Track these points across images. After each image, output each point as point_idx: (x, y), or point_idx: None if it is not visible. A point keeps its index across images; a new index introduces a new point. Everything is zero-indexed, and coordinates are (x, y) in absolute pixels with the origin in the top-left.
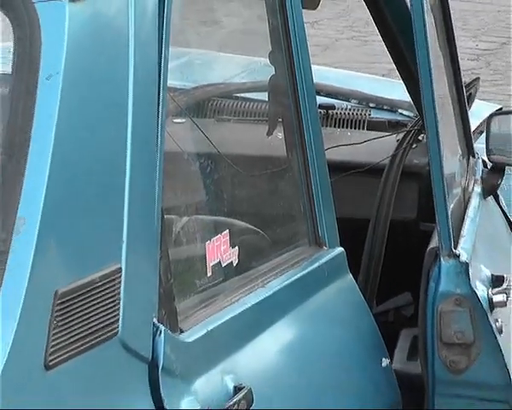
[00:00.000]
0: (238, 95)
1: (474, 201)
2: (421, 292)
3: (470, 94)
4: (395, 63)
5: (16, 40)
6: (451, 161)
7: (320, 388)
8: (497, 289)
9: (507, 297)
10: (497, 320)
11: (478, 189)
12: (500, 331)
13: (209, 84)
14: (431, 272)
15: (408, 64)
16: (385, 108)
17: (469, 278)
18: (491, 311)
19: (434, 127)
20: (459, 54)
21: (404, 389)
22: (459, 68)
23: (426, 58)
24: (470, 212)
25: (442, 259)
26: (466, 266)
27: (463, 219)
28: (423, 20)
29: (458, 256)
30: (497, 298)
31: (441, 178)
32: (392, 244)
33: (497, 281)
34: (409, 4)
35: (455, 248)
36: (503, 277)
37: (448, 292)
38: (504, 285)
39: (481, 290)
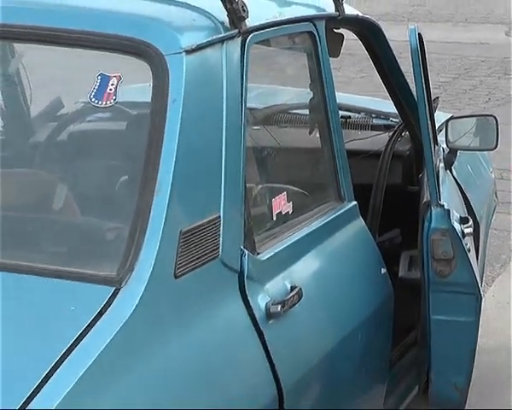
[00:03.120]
0: (291, 111)
1: (441, 172)
2: (419, 229)
3: (434, 107)
4: (388, 91)
5: (154, 78)
6: None
7: (343, 285)
8: (465, 225)
9: (472, 230)
10: (466, 244)
11: (442, 164)
12: (469, 251)
13: (273, 104)
14: (425, 215)
15: (395, 92)
16: (381, 116)
17: (450, 219)
18: (463, 238)
19: (427, 131)
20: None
21: (407, 288)
22: (429, 92)
23: (421, 87)
24: (441, 179)
25: (432, 208)
26: (448, 211)
27: (438, 183)
28: (419, 66)
29: (443, 206)
30: (467, 230)
31: (431, 158)
32: (387, 199)
33: (464, 220)
34: (410, 58)
35: (439, 200)
36: (468, 218)
37: (437, 228)
38: (469, 223)
39: (457, 226)
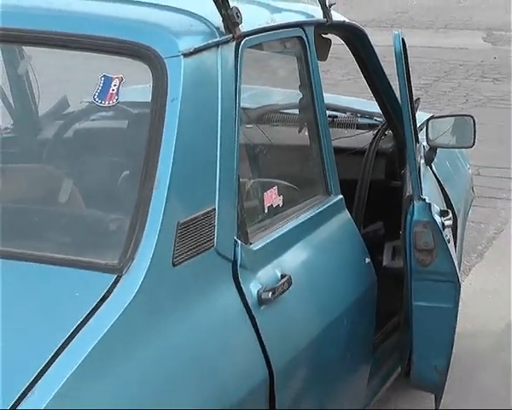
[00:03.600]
0: (282, 110)
1: (422, 168)
2: (402, 221)
3: (415, 107)
4: (372, 93)
5: (154, 79)
6: None
7: (330, 274)
8: (445, 218)
9: (451, 222)
10: (446, 235)
11: (422, 160)
12: (448, 241)
13: (265, 105)
14: (408, 209)
15: (379, 93)
16: (366, 116)
17: (431, 212)
18: (444, 230)
19: (409, 129)
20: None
21: (390, 276)
22: (412, 93)
23: (404, 88)
24: (422, 174)
25: (415, 201)
26: (429, 205)
27: (420, 178)
28: (403, 69)
29: (424, 199)
30: (447, 223)
31: (413, 155)
32: (371, 193)
33: (444, 213)
34: (394, 63)
35: (421, 195)
36: (448, 210)
37: (419, 220)
38: (449, 216)
39: (437, 218)
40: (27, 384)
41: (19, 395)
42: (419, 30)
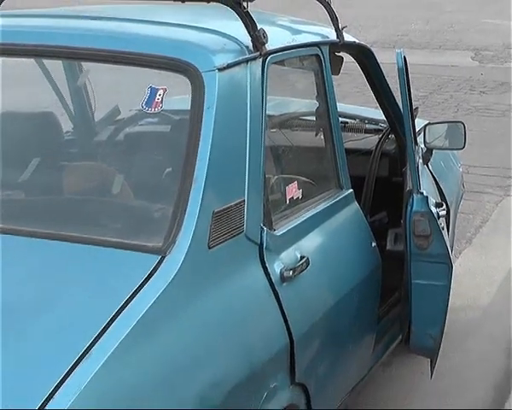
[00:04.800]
0: (301, 117)
1: (420, 166)
2: (403, 211)
3: (414, 115)
4: (378, 103)
5: (192, 90)
6: None
7: (342, 256)
8: (440, 209)
9: (445, 212)
10: (440, 223)
11: (420, 160)
12: (442, 229)
13: (287, 112)
14: (408, 201)
15: (384, 103)
16: (372, 122)
17: (428, 204)
18: (438, 219)
19: (409, 134)
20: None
21: (393, 258)
22: (411, 103)
23: (405, 99)
24: (420, 172)
25: (414, 195)
26: (426, 198)
27: (418, 175)
28: (404, 83)
29: (422, 193)
30: (441, 213)
31: (413, 155)
32: (377, 188)
33: (439, 205)
34: (397, 78)
35: (419, 189)
36: (442, 203)
37: (417, 211)
38: (443, 207)
39: (433, 209)
40: (86, 346)
41: (79, 354)
42: (417, 50)
